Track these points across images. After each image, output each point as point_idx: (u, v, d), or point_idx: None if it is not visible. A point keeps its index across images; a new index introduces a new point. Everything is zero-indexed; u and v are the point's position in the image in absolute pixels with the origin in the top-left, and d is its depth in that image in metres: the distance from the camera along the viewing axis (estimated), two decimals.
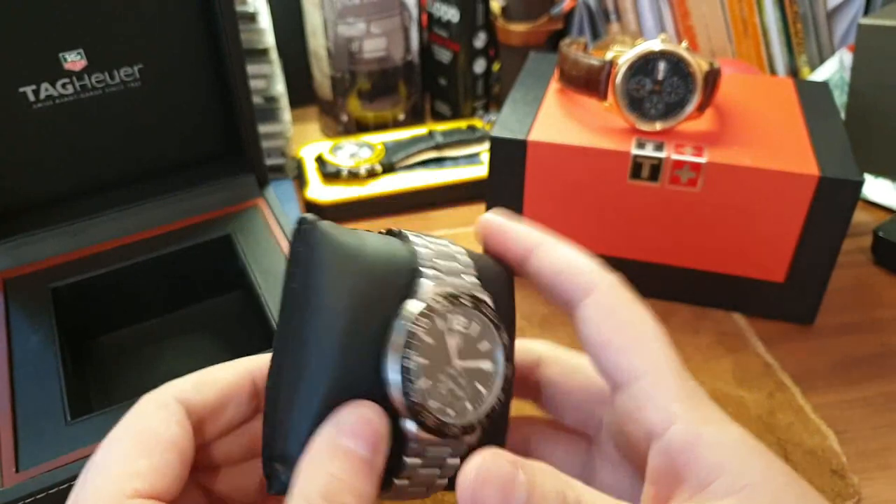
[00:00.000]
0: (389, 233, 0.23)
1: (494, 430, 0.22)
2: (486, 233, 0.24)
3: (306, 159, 0.60)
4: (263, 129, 0.57)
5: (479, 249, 0.25)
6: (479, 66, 0.67)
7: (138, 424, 0.20)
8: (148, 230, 0.43)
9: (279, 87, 0.59)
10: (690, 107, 0.42)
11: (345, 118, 0.66)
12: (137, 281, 0.42)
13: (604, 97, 0.43)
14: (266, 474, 0.20)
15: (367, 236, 0.22)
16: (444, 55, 0.67)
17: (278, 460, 0.20)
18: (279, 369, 0.21)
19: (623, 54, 0.42)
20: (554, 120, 0.46)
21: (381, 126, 0.67)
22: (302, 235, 0.21)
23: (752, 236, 0.44)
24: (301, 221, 0.21)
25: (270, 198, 0.46)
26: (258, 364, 0.23)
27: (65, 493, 0.30)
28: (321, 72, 0.66)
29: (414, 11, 0.63)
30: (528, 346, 0.27)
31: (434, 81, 0.70)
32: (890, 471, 0.37)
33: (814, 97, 0.49)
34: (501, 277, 0.24)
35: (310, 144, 0.62)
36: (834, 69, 0.63)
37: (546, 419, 0.27)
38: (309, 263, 0.20)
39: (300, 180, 0.60)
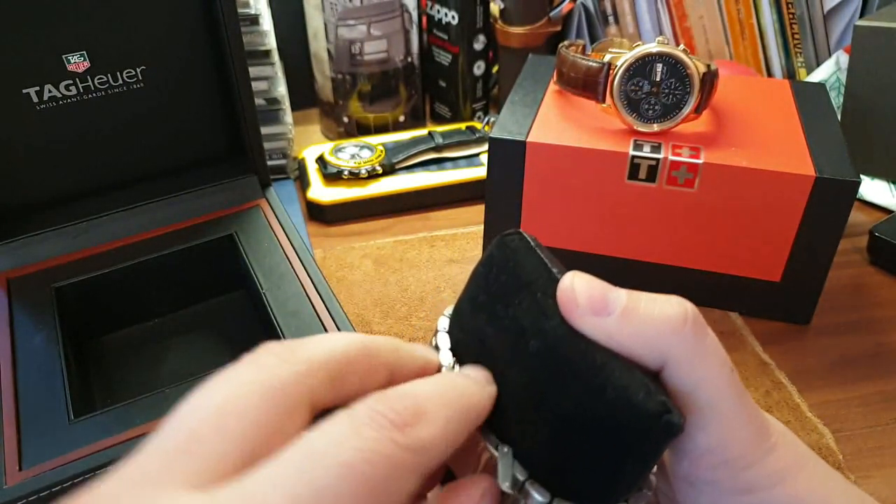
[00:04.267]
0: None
1: None
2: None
3: (308, 160, 0.60)
4: (265, 130, 0.58)
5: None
6: (479, 68, 0.68)
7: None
8: (150, 230, 0.44)
9: (281, 89, 0.59)
10: (688, 108, 0.43)
11: (346, 120, 0.67)
12: (140, 281, 0.42)
13: (602, 99, 0.44)
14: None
15: None
16: (444, 57, 0.67)
17: (559, 491, 0.19)
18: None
19: (621, 56, 0.43)
20: (552, 121, 0.46)
21: (381, 127, 0.67)
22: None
23: (749, 236, 0.44)
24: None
25: (272, 198, 0.47)
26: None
27: (68, 492, 0.30)
28: (322, 74, 0.67)
29: (414, 14, 0.63)
30: None
31: (434, 83, 0.70)
32: (886, 469, 0.38)
33: (810, 98, 0.49)
34: None
35: (311, 146, 0.63)
36: (830, 70, 0.64)
37: None
38: None
39: (302, 181, 0.60)
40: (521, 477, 0.19)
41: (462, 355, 0.21)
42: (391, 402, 0.16)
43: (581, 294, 0.19)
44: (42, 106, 0.41)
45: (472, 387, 0.19)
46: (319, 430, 0.15)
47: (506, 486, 0.19)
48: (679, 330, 0.19)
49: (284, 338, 0.37)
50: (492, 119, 0.67)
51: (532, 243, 0.21)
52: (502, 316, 0.20)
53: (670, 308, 0.19)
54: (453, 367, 0.21)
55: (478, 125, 0.64)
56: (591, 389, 0.18)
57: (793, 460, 0.21)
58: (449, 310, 0.23)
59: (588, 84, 0.44)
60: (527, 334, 0.19)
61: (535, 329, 0.19)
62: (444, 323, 0.23)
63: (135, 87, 0.43)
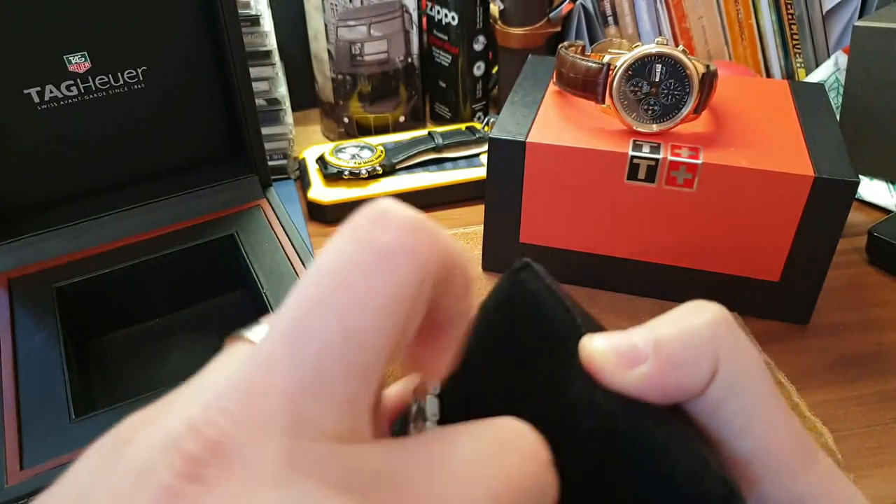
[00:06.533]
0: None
1: None
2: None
3: (308, 161, 0.61)
4: (266, 130, 0.58)
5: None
6: (479, 68, 0.68)
7: None
8: (151, 230, 0.44)
9: (282, 90, 0.59)
10: (687, 109, 0.43)
11: (346, 120, 0.67)
12: (141, 280, 0.42)
13: (601, 99, 0.44)
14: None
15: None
16: (444, 58, 0.68)
17: None
18: None
19: (620, 57, 0.43)
20: (552, 122, 0.46)
21: (381, 128, 0.67)
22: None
23: (748, 236, 0.44)
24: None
25: (273, 199, 0.47)
26: None
27: None
28: (323, 74, 0.67)
29: (414, 14, 0.64)
30: None
31: (434, 84, 0.70)
32: (885, 468, 0.38)
33: (809, 99, 0.49)
34: None
35: (312, 146, 0.63)
36: (829, 71, 0.64)
37: None
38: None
39: (302, 181, 0.60)
40: None
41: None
42: None
43: (607, 354, 0.17)
44: (43, 106, 0.41)
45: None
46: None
47: None
48: (719, 332, 0.17)
49: None
50: (492, 119, 0.68)
51: (548, 281, 0.18)
52: (536, 381, 0.17)
53: (699, 314, 0.18)
54: None
55: (478, 125, 0.64)
56: (659, 478, 0.16)
57: (831, 468, 0.19)
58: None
59: (587, 84, 0.44)
60: (577, 409, 0.16)
61: (586, 403, 0.16)
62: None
63: (136, 87, 0.43)
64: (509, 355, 0.17)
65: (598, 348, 0.17)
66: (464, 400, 0.18)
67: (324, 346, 0.12)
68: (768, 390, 0.18)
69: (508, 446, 0.14)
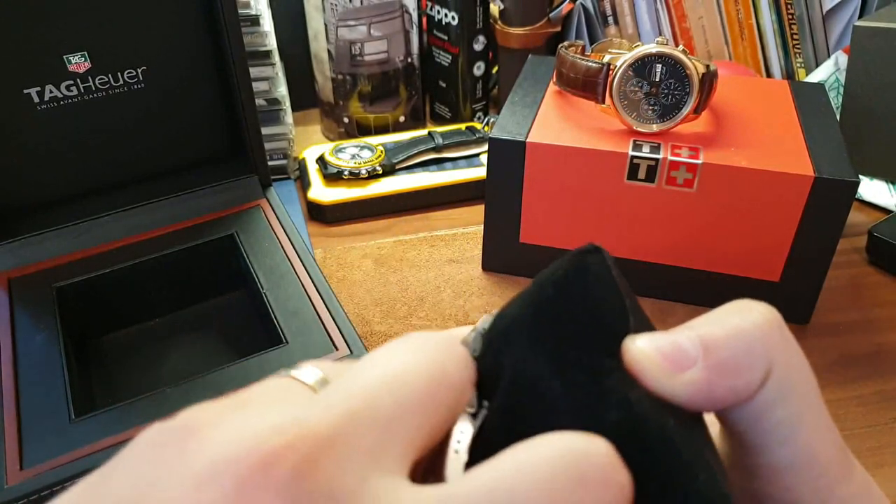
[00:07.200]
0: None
1: None
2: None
3: (308, 161, 0.61)
4: (266, 130, 0.58)
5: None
6: (479, 68, 0.68)
7: None
8: (151, 230, 0.44)
9: (282, 90, 0.59)
10: (687, 109, 0.43)
11: (346, 120, 0.67)
12: (141, 280, 0.42)
13: (601, 99, 0.44)
14: None
15: None
16: (444, 58, 0.68)
17: None
18: None
19: (620, 57, 0.43)
20: (552, 122, 0.46)
21: (381, 128, 0.67)
22: None
23: (748, 236, 0.44)
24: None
25: (273, 199, 0.47)
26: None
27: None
28: (323, 74, 0.67)
29: (414, 14, 0.64)
30: None
31: (434, 84, 0.70)
32: (885, 469, 0.38)
33: (809, 98, 0.49)
34: None
35: (312, 146, 0.63)
36: (829, 71, 0.64)
37: None
38: None
39: (302, 181, 0.60)
40: None
41: (493, 388, 0.17)
42: None
43: (653, 357, 0.16)
44: (43, 106, 0.41)
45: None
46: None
47: None
48: (772, 333, 0.16)
49: (285, 337, 0.37)
50: (492, 119, 0.68)
51: (614, 272, 0.17)
52: (573, 363, 0.16)
53: (747, 314, 0.16)
54: (477, 410, 0.17)
55: (478, 125, 0.64)
56: (674, 493, 0.15)
57: (867, 480, 0.18)
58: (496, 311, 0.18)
59: (587, 84, 0.44)
60: (608, 399, 0.16)
61: (619, 396, 0.16)
62: (484, 322, 0.18)
63: (136, 87, 0.43)
64: (555, 331, 0.17)
65: (642, 349, 0.16)
66: (501, 366, 0.18)
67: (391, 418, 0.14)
68: (816, 396, 0.17)
69: (588, 481, 0.13)
